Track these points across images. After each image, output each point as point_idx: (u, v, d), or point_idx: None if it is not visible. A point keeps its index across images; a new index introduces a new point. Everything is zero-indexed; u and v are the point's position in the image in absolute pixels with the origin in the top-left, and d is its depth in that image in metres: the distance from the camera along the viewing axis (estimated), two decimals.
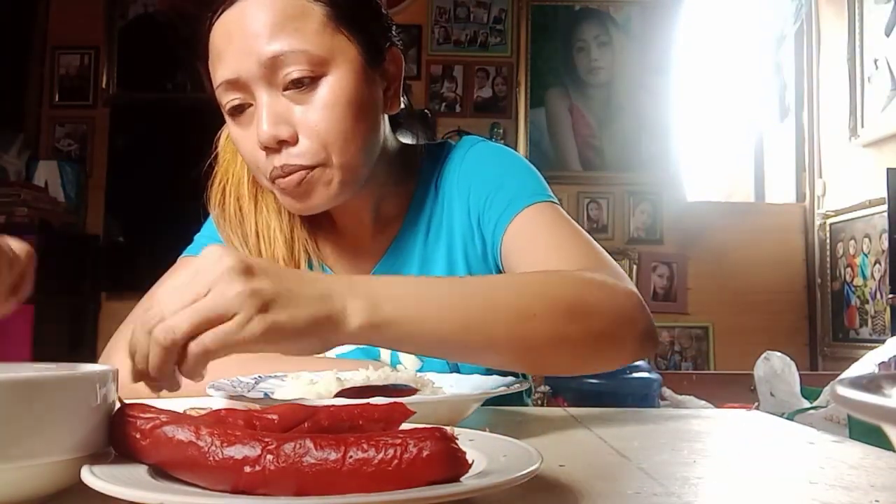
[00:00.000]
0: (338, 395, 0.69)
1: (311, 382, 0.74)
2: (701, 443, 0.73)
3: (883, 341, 2.41)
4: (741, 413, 0.88)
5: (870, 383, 0.31)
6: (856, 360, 2.35)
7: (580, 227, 0.91)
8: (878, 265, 3.27)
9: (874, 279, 3.30)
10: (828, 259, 3.63)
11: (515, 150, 3.78)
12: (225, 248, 0.61)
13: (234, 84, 0.86)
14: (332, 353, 1.00)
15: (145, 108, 3.75)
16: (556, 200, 0.95)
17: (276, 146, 0.85)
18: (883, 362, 2.19)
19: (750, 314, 3.64)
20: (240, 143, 0.90)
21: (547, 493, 0.49)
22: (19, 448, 0.41)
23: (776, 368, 2.33)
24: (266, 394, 0.74)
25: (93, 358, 0.91)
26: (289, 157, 0.85)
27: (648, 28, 3.82)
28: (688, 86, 3.91)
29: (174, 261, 1.01)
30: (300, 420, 0.46)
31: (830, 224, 3.62)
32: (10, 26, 3.67)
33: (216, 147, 1.02)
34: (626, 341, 0.75)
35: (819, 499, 0.49)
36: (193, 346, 0.57)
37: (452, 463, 0.40)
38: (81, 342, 3.52)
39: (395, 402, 0.49)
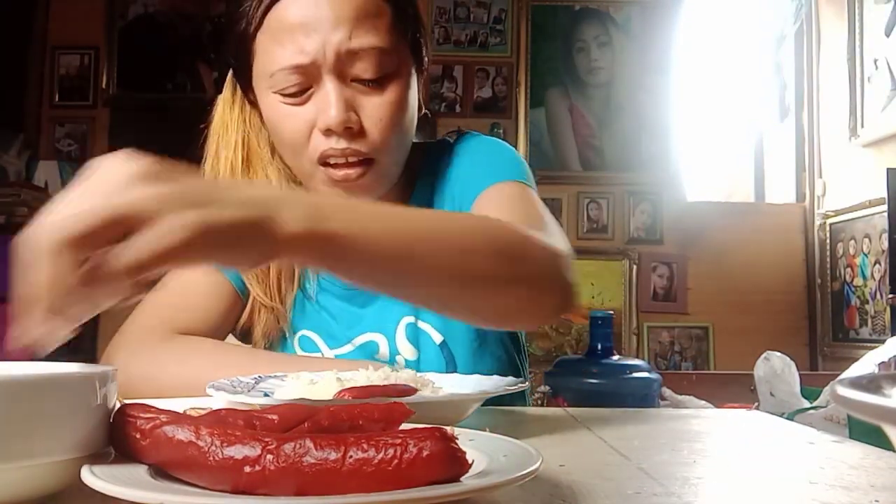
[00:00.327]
0: (342, 393, 0.69)
1: (311, 382, 0.74)
2: (701, 443, 0.73)
3: (883, 341, 2.41)
4: (741, 413, 0.88)
5: (870, 383, 0.31)
6: (856, 360, 2.35)
7: (546, 209, 0.91)
8: (878, 265, 3.27)
9: (874, 279, 3.30)
10: (828, 259, 3.63)
11: (515, 149, 3.76)
12: (122, 157, 0.51)
13: (303, 69, 0.86)
14: (330, 354, 1.00)
15: (145, 108, 3.75)
16: (533, 186, 0.96)
17: (341, 132, 0.87)
18: (883, 362, 2.19)
19: (750, 314, 3.64)
20: (285, 119, 0.89)
21: (547, 494, 0.49)
22: (19, 448, 0.41)
23: (776, 368, 2.33)
24: (266, 394, 0.74)
25: (93, 358, 0.90)
26: (351, 142, 0.88)
27: (648, 28, 3.82)
28: (688, 86, 3.91)
29: None
30: (300, 420, 0.46)
31: (830, 224, 3.62)
32: (10, 26, 3.67)
33: (204, 140, 1.01)
34: (555, 293, 0.76)
35: (819, 499, 0.49)
36: (112, 260, 0.46)
37: (452, 463, 0.40)
38: (81, 342, 3.51)
39: (395, 402, 0.49)
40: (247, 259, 0.54)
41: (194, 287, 0.98)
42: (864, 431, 1.21)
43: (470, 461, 0.41)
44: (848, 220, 3.48)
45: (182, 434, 0.43)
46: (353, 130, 0.87)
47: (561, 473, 0.54)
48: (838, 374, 2.27)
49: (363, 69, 0.87)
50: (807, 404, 2.26)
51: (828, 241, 3.63)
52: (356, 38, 0.85)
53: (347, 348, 1.00)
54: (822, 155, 3.73)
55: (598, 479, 0.53)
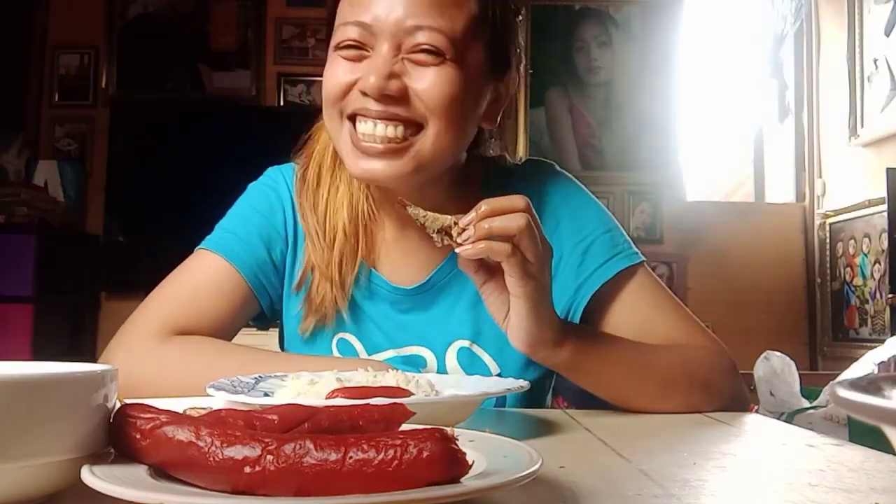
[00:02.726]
0: (334, 393, 0.69)
1: (311, 382, 0.74)
2: (701, 445, 0.73)
3: (883, 341, 2.41)
4: (741, 415, 0.89)
5: (869, 385, 0.31)
6: (855, 359, 2.35)
7: (668, 289, 1.02)
8: (877, 265, 3.27)
9: (874, 279, 3.30)
10: (827, 259, 3.63)
11: (515, 150, 3.72)
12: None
13: (363, 27, 0.86)
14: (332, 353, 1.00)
15: (145, 108, 3.74)
16: (643, 257, 1.02)
17: (377, 97, 0.85)
18: (882, 362, 2.19)
19: (750, 314, 3.64)
20: (334, 67, 0.88)
21: (547, 495, 0.49)
22: (19, 448, 0.41)
23: (776, 368, 2.33)
24: (266, 394, 0.74)
25: (93, 358, 0.90)
26: (389, 106, 0.85)
27: (648, 28, 3.82)
28: (688, 85, 3.91)
29: (174, 260, 1.00)
30: (300, 420, 0.47)
31: (830, 224, 3.62)
32: (10, 26, 3.67)
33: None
34: (734, 406, 0.93)
35: (819, 501, 0.49)
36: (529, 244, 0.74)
37: (452, 464, 0.40)
38: (81, 342, 3.52)
39: (395, 403, 0.49)
40: (542, 349, 0.79)
41: (203, 284, 0.96)
42: (865, 432, 1.21)
43: (470, 462, 0.41)
44: (848, 220, 3.48)
45: (182, 434, 0.43)
46: (393, 98, 0.85)
47: (561, 475, 0.54)
48: (838, 374, 2.27)
49: (418, 44, 0.84)
50: (806, 404, 2.26)
51: (827, 240, 3.63)
52: (424, 17, 0.84)
53: (390, 353, 0.98)
54: (821, 155, 3.73)
55: (598, 481, 0.53)
